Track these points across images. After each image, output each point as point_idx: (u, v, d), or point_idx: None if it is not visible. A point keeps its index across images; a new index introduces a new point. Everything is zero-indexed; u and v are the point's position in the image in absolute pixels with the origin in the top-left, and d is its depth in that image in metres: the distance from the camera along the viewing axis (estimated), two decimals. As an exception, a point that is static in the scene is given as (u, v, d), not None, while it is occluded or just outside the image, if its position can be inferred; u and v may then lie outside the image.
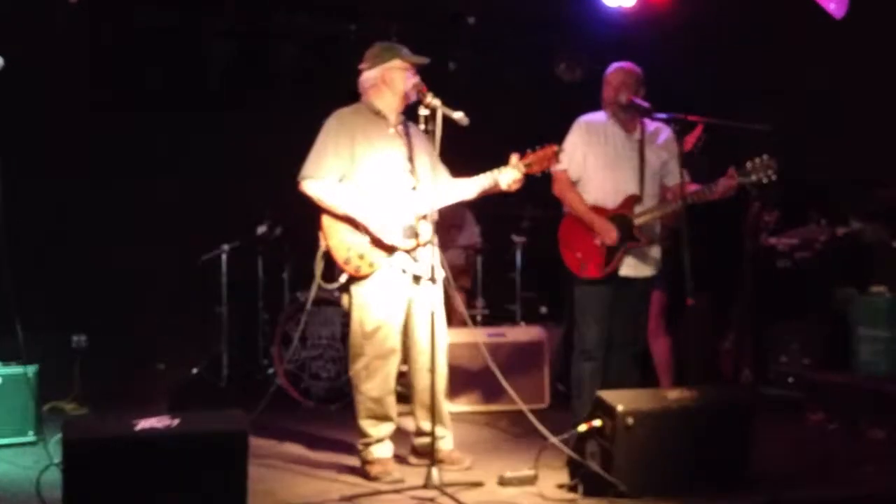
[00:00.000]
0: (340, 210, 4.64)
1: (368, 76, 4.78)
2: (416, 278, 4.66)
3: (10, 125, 6.49)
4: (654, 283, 5.41)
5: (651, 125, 5.33)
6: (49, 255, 6.99)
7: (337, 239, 4.66)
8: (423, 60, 4.78)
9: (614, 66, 5.31)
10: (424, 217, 4.59)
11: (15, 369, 5.18)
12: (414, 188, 4.64)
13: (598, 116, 5.32)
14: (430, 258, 4.56)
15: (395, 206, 4.66)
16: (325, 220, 4.69)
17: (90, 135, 7.19)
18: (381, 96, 4.78)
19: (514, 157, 4.67)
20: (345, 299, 4.79)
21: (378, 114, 4.77)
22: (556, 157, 4.69)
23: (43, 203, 6.99)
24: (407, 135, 4.76)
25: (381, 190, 4.67)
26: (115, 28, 7.36)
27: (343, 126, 4.73)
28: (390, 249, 4.64)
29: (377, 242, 4.63)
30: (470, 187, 4.76)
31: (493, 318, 7.28)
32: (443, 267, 4.75)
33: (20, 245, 6.48)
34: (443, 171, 4.86)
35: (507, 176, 4.66)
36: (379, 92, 4.77)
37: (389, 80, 4.73)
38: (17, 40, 6.61)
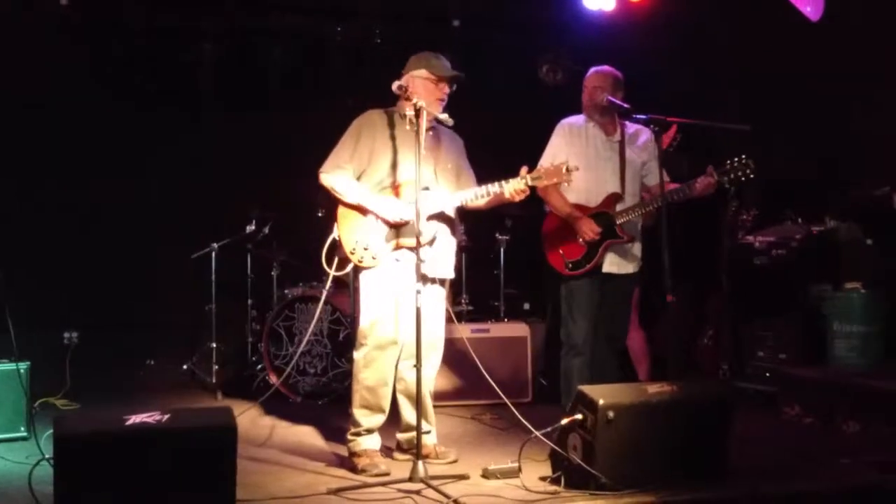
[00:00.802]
0: (350, 199, 4.80)
1: (399, 82, 4.88)
2: (422, 276, 4.73)
3: (2, 126, 6.55)
4: (637, 280, 5.50)
5: (631, 127, 5.42)
6: (41, 252, 7.02)
7: (347, 230, 4.82)
8: (450, 73, 4.87)
9: (591, 70, 5.40)
10: (429, 217, 4.68)
11: (7, 365, 5.22)
12: (426, 188, 4.72)
13: (579, 119, 5.41)
14: (436, 256, 4.71)
15: (404, 204, 4.76)
16: (340, 212, 4.86)
17: (82, 134, 7.22)
18: (408, 102, 4.87)
19: (523, 170, 4.72)
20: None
21: (405, 118, 4.87)
22: (568, 173, 4.68)
23: (34, 201, 7.04)
24: (432, 140, 4.86)
25: (392, 189, 4.81)
26: (106, 28, 7.39)
27: (366, 126, 4.88)
28: (395, 229, 4.74)
29: (384, 224, 4.75)
30: (477, 194, 4.82)
31: (478, 314, 7.36)
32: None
33: (11, 242, 6.54)
34: (467, 177, 4.98)
35: (512, 186, 4.71)
36: (405, 98, 4.87)
37: (413, 88, 4.81)
38: (11, 41, 6.68)
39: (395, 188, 4.82)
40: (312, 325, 6.33)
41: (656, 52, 7.43)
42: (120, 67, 7.49)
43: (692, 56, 7.53)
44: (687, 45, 7.50)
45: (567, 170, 4.67)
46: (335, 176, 4.82)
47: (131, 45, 7.49)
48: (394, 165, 4.83)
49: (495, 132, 7.24)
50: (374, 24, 7.66)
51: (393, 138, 4.86)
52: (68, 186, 7.19)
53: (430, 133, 4.87)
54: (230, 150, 7.57)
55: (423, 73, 4.85)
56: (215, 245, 7.09)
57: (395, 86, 4.74)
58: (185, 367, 7.24)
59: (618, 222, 5.24)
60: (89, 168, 7.27)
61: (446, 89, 4.86)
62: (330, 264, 4.89)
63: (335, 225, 4.88)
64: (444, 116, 4.69)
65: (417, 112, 4.59)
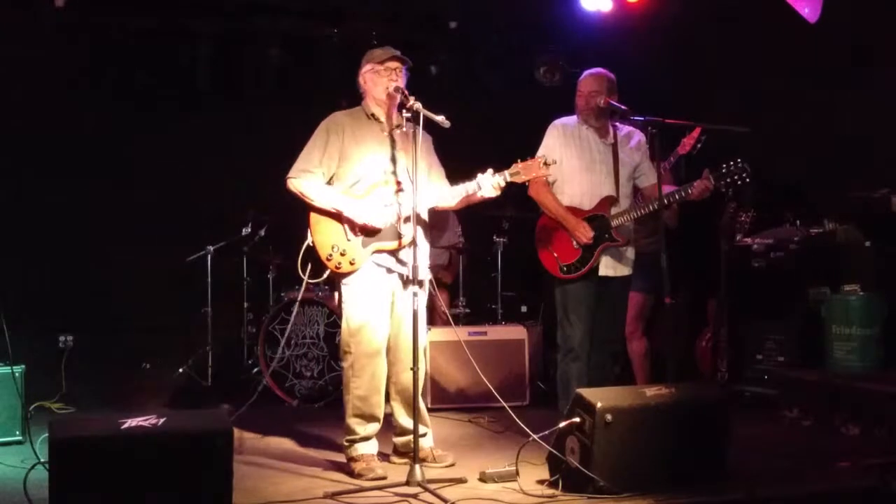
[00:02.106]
0: (322, 204, 4.72)
1: (358, 81, 4.85)
2: (402, 279, 4.71)
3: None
4: (631, 282, 5.48)
5: (622, 130, 5.40)
6: (36, 255, 7.01)
7: (322, 235, 4.73)
8: (389, 53, 4.80)
9: (585, 73, 5.37)
10: (407, 219, 4.65)
11: (2, 369, 5.21)
12: (399, 191, 4.69)
13: (571, 120, 5.37)
14: (416, 259, 4.62)
15: (379, 207, 4.72)
16: (312, 217, 4.77)
17: (76, 136, 7.22)
18: (368, 100, 4.86)
19: (489, 171, 4.70)
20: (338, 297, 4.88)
21: (371, 117, 4.84)
22: (546, 167, 4.68)
23: (29, 203, 7.03)
24: (402, 138, 4.81)
25: (366, 191, 4.73)
26: (101, 29, 7.38)
27: (333, 128, 4.81)
28: (372, 233, 4.69)
29: (361, 230, 4.69)
30: (451, 193, 4.80)
31: (475, 316, 7.35)
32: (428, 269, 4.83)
33: (6, 245, 6.53)
34: (437, 174, 4.93)
35: (488, 183, 4.68)
36: (366, 96, 4.85)
37: (366, 83, 4.82)
38: (4, 42, 6.66)
39: (370, 190, 4.75)
40: (288, 328, 6.30)
41: (654, 52, 7.42)
42: (116, 68, 7.49)
43: (690, 57, 7.52)
44: (685, 46, 7.49)
45: (545, 163, 4.64)
46: (304, 180, 4.74)
47: (127, 46, 7.48)
48: (365, 166, 4.75)
49: (492, 133, 7.23)
50: (371, 26, 7.65)
51: (362, 139, 4.79)
52: (63, 188, 7.18)
53: (401, 130, 4.80)
54: (226, 152, 7.56)
55: (368, 66, 4.81)
56: (211, 248, 7.09)
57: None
58: (180, 370, 7.22)
59: (613, 225, 5.22)
60: (85, 170, 7.26)
61: (394, 75, 4.76)
62: (305, 271, 4.77)
63: (308, 231, 4.78)
64: (442, 118, 4.62)
65: (415, 115, 4.56)
